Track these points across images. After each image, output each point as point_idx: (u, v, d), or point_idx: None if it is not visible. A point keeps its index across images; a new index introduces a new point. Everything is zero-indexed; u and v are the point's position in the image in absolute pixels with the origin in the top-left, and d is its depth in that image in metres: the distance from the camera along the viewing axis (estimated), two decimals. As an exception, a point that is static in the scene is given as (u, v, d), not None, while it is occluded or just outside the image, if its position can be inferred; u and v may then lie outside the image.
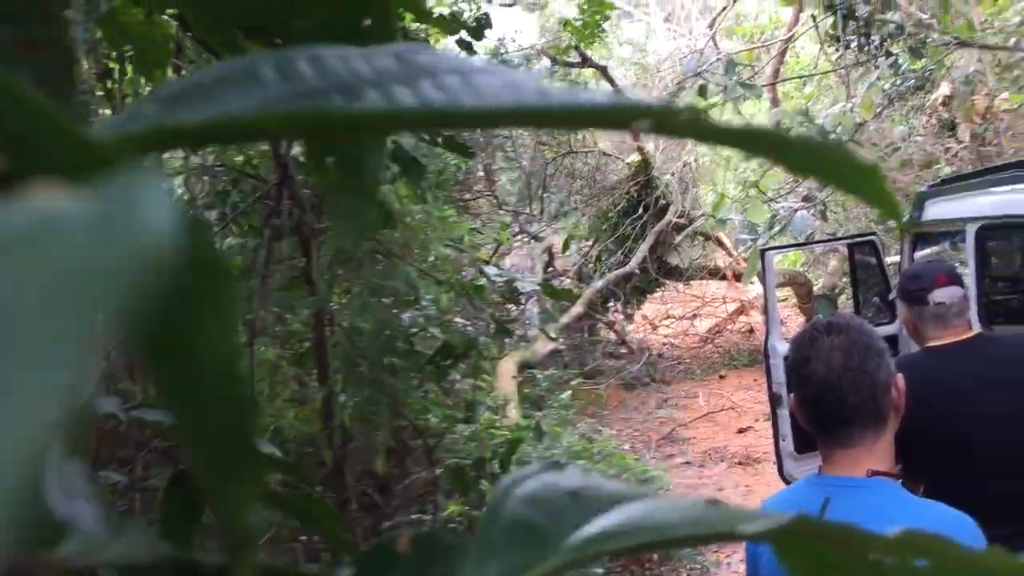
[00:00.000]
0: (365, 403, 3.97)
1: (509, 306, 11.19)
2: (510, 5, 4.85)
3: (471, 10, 4.35)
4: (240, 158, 4.29)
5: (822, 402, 1.75)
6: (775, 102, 11.76)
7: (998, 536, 2.64)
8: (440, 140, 3.91)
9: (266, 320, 5.05)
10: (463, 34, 4.24)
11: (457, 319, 4.10)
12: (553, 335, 10.57)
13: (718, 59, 6.58)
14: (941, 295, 2.80)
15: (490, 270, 3.69)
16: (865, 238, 5.85)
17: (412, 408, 5.45)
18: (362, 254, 3.81)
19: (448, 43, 5.53)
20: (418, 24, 4.38)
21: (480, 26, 4.31)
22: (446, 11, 4.56)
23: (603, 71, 12.62)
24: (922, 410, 2.69)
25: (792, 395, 1.87)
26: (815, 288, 12.99)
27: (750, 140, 0.30)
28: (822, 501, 1.74)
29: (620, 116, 0.30)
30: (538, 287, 3.57)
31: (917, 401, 2.71)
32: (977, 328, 4.52)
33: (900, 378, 1.81)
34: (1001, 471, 2.66)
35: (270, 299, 4.50)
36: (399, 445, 5.47)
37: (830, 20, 5.82)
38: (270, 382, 4.56)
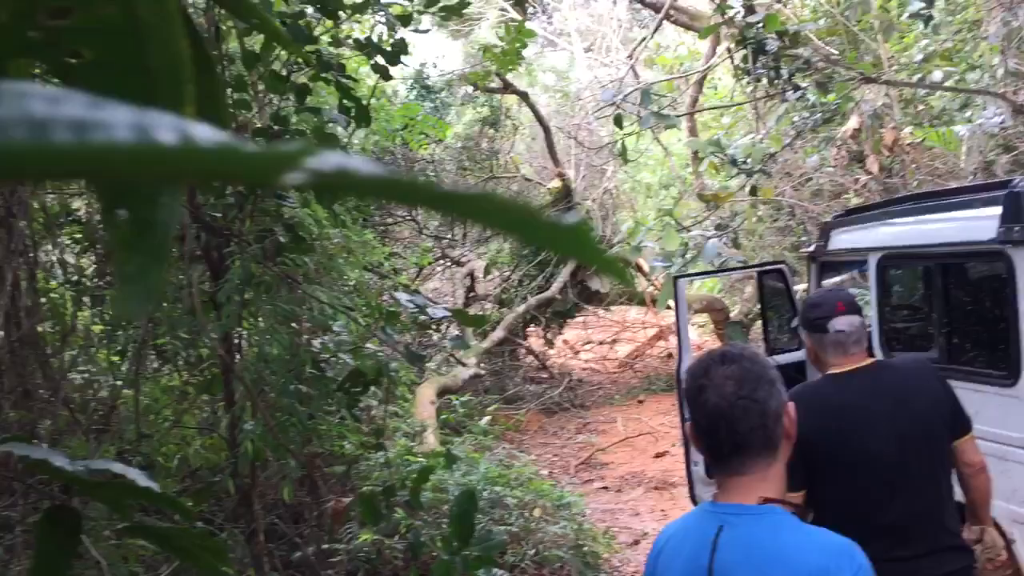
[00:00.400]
0: (273, 431, 3.88)
1: (432, 332, 11.18)
2: (425, 32, 4.85)
3: (389, 36, 4.31)
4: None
5: (715, 431, 1.78)
6: (692, 132, 12.02)
7: (898, 558, 2.72)
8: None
9: (176, 345, 4.94)
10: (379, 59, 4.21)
11: (369, 345, 4.04)
12: (472, 360, 10.56)
13: (635, 89, 6.70)
14: (840, 323, 2.89)
15: (402, 296, 3.64)
16: (774, 266, 5.99)
17: (326, 435, 5.37)
18: (271, 278, 3.75)
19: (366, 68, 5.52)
20: (333, 49, 4.34)
21: (396, 52, 4.30)
22: (362, 36, 4.54)
23: (524, 97, 12.74)
24: (823, 435, 2.76)
25: (688, 423, 1.90)
26: (732, 314, 13.27)
27: (438, 200, 0.29)
28: (716, 528, 1.77)
29: (266, 166, 0.29)
30: (448, 313, 3.54)
31: (818, 426, 2.78)
32: (878, 355, 4.68)
33: (792, 406, 1.84)
34: (899, 493, 2.74)
35: (179, 323, 4.40)
36: (312, 473, 5.38)
37: (742, 54, 5.99)
38: (175, 409, 4.45)
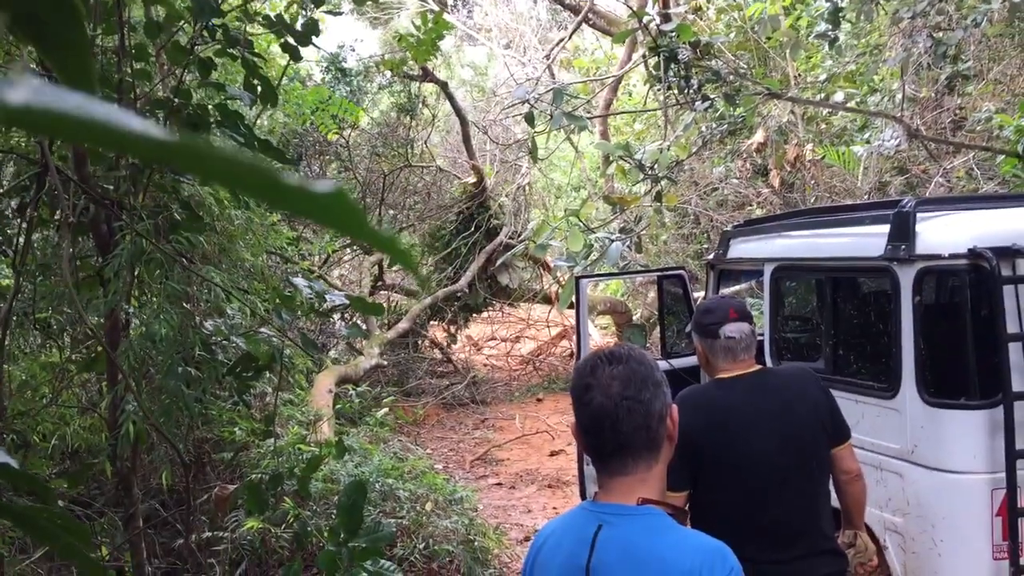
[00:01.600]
0: (157, 413, 3.75)
1: (334, 321, 11.01)
2: (338, 13, 4.77)
3: (304, 14, 4.21)
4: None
5: (599, 430, 1.79)
6: (605, 135, 12.15)
7: (776, 561, 2.79)
8: (256, 143, 3.79)
9: (59, 321, 4.74)
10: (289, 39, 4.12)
11: (263, 330, 3.94)
12: (375, 350, 10.45)
13: (549, 89, 6.73)
14: (732, 330, 2.97)
15: (299, 281, 3.56)
16: (674, 271, 6.09)
17: (216, 420, 5.23)
18: (163, 256, 3.62)
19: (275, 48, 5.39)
20: (241, 24, 4.22)
21: (307, 32, 4.20)
22: (272, 13, 4.43)
23: (443, 86, 12.67)
24: (709, 437, 2.84)
25: (573, 422, 1.90)
26: (634, 317, 13.47)
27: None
28: (595, 527, 1.78)
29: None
30: (345, 301, 3.48)
31: (704, 429, 2.85)
32: (769, 363, 4.81)
33: (675, 409, 1.87)
34: (780, 496, 2.82)
35: (62, 298, 4.22)
36: (198, 458, 5.23)
37: (654, 61, 6.08)
38: (54, 387, 4.26)
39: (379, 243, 0.30)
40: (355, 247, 13.30)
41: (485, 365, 14.38)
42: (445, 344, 13.93)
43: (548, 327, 14.86)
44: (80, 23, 0.62)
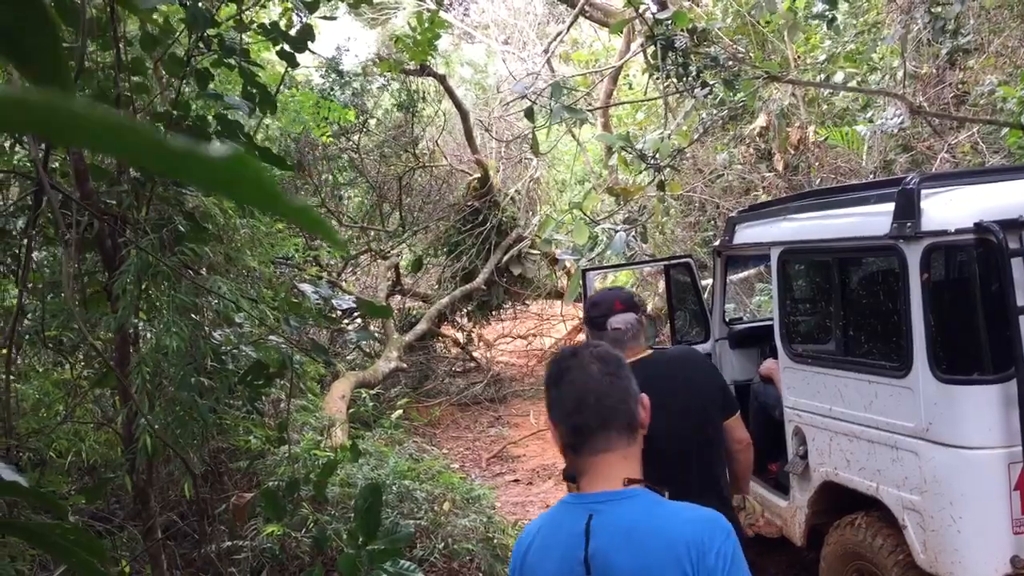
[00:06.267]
0: (172, 425, 3.77)
1: (347, 327, 11.02)
2: (333, 19, 4.78)
3: (298, 20, 4.22)
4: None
5: (583, 406, 1.82)
6: (607, 127, 12.13)
7: None
8: (256, 152, 3.80)
9: (70, 338, 4.76)
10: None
11: (272, 338, 3.96)
12: (393, 354, 10.45)
13: (548, 85, 6.72)
14: (617, 321, 3.14)
15: (306, 287, 3.58)
16: (681, 260, 6.07)
17: (231, 430, 5.25)
18: (169, 269, 3.64)
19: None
20: (237, 32, 4.22)
21: (302, 38, 4.21)
22: (268, 21, 4.44)
23: (442, 80, 12.66)
24: None
25: (549, 415, 1.92)
26: (649, 309, 13.43)
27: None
28: (585, 517, 1.77)
29: None
30: (353, 304, 3.49)
31: None
32: (779, 347, 4.80)
33: (645, 397, 1.93)
34: (681, 470, 2.96)
35: (72, 315, 4.23)
36: (215, 468, 5.25)
37: (651, 50, 6.06)
38: (68, 404, 4.28)
39: (294, 215, 0.29)
40: (371, 252, 13.30)
41: (500, 363, 14.36)
42: (464, 342, 13.92)
43: (563, 322, 14.82)
44: (51, 28, 0.61)
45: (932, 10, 7.08)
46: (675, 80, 6.20)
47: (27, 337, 4.34)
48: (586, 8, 10.90)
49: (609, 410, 1.82)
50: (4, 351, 3.36)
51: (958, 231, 3.60)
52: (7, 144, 4.36)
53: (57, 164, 4.12)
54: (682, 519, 1.75)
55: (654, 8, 6.33)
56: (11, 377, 3.49)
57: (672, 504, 1.81)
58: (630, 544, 1.71)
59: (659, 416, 3.03)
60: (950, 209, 3.71)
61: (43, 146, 2.99)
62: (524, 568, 1.86)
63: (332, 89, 12.18)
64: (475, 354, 13.87)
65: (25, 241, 3.32)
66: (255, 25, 4.37)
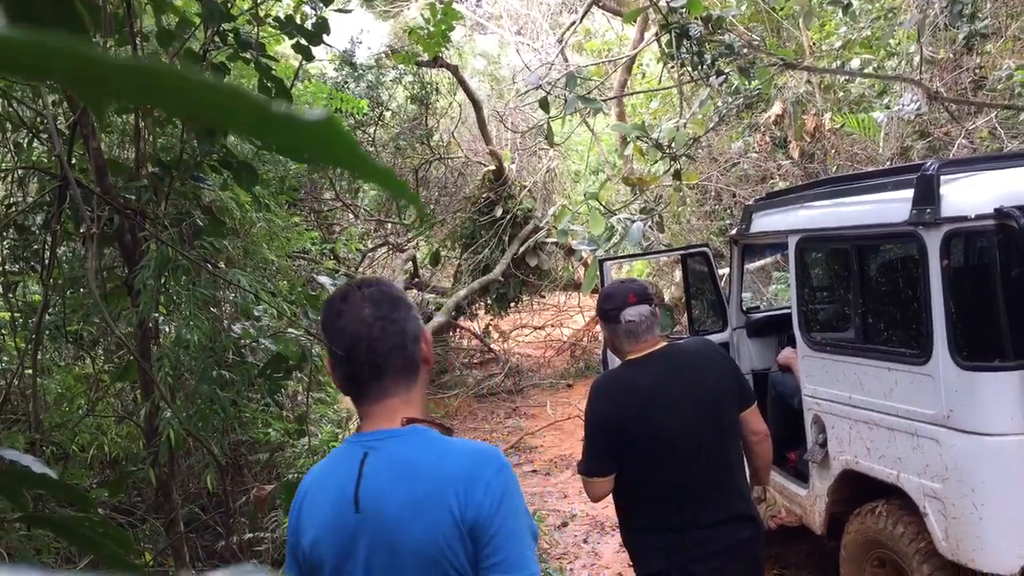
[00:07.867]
0: (193, 418, 3.80)
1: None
2: (348, 12, 4.79)
3: (313, 13, 4.23)
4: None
5: (355, 354, 1.76)
6: (621, 116, 12.10)
7: (699, 526, 3.01)
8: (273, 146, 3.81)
9: (91, 332, 4.80)
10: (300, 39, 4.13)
11: (291, 330, 3.97)
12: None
13: (563, 76, 6.71)
14: (631, 314, 3.12)
15: (324, 279, 3.59)
16: (698, 249, 6.06)
17: (250, 422, 5.28)
18: (188, 263, 3.66)
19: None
20: (252, 26, 4.24)
21: (317, 31, 4.22)
22: (282, 14, 4.44)
23: (454, 71, 12.66)
24: (625, 417, 3.02)
25: (327, 358, 1.88)
26: (667, 299, 13.41)
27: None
28: (361, 455, 1.74)
29: None
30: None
31: (621, 410, 3.03)
32: (797, 335, 4.78)
33: (428, 331, 1.88)
34: (696, 464, 3.00)
35: (93, 310, 4.27)
36: (235, 460, 5.29)
37: (666, 39, 6.03)
38: (89, 398, 4.32)
39: (376, 175, 0.30)
40: (388, 245, 13.31)
41: (517, 354, 14.37)
42: (483, 334, 13.95)
43: (581, 313, 14.81)
44: (82, 23, 0.62)
45: (949, -6, 7.02)
46: (690, 68, 6.17)
47: (48, 332, 4.38)
48: (599, -3, 10.87)
49: (382, 357, 1.76)
50: (28, 346, 3.39)
51: (978, 217, 3.57)
52: (25, 141, 4.40)
53: (75, 160, 4.14)
54: (456, 452, 1.72)
55: (668, -4, 6.29)
56: (30, 371, 3.52)
57: (451, 440, 1.78)
58: (403, 480, 1.69)
59: (672, 410, 3.06)
60: (970, 195, 3.68)
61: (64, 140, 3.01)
62: (303, 509, 1.82)
63: (346, 82, 12.19)
64: (492, 346, 13.88)
65: (48, 237, 3.33)
66: (270, 19, 4.38)
